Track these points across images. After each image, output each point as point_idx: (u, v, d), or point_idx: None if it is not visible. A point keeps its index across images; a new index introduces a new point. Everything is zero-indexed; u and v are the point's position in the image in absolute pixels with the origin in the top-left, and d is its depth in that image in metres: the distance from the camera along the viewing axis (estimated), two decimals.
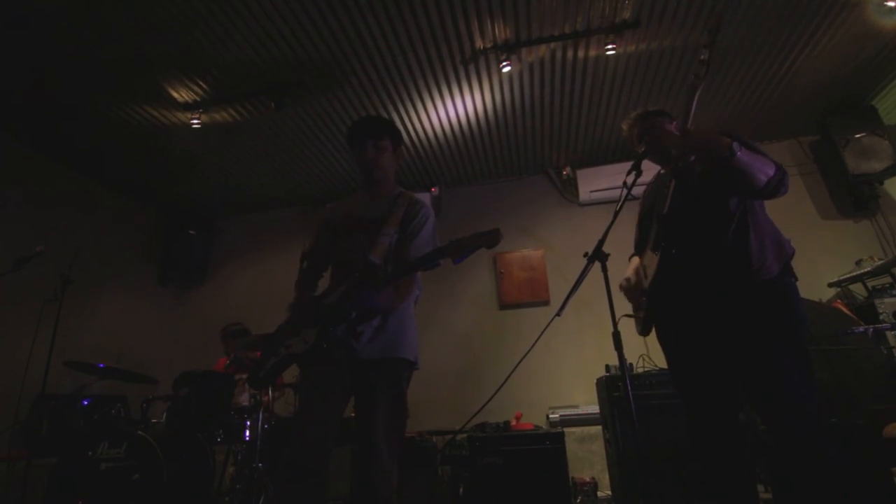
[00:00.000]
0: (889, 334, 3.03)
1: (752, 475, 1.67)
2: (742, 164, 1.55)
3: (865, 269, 3.57)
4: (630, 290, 1.96)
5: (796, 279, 1.68)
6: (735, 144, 1.54)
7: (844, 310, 3.36)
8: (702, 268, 1.69)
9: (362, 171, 1.96)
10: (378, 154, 1.91)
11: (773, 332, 1.57)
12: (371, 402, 1.69)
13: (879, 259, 3.67)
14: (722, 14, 1.69)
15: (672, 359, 1.85)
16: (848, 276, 3.62)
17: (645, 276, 1.86)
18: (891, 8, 3.12)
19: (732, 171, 1.57)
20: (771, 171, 1.59)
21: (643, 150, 1.87)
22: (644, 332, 1.89)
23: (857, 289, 3.63)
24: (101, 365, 3.04)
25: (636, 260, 2.03)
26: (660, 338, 1.88)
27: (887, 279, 3.51)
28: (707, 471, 1.71)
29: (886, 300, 3.29)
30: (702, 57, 1.62)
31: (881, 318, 3.22)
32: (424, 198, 4.90)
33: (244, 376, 3.36)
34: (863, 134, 4.05)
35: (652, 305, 1.82)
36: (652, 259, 1.79)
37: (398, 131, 2.01)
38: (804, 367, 1.53)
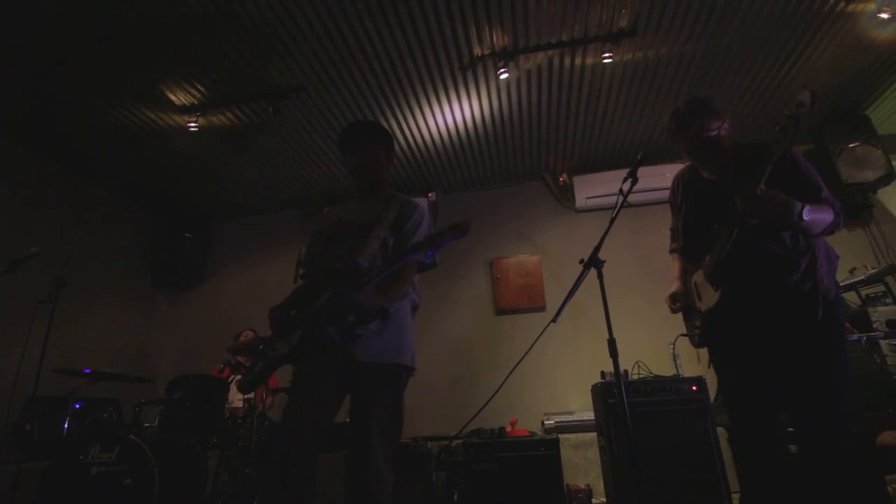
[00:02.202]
0: (882, 343, 3.05)
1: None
2: (806, 225, 1.56)
3: (859, 278, 3.60)
4: (681, 304, 1.98)
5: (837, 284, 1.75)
6: (805, 210, 1.52)
7: None
8: (768, 306, 1.70)
9: (354, 175, 1.96)
10: (369, 157, 1.92)
11: (825, 339, 1.63)
12: (367, 407, 1.69)
13: (873, 268, 3.70)
14: (816, 92, 1.57)
15: (724, 370, 1.88)
16: (842, 284, 3.64)
17: (698, 297, 1.89)
18: (884, 20, 3.16)
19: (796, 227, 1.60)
20: (829, 219, 1.61)
21: (687, 151, 1.83)
22: (700, 345, 1.92)
23: (851, 297, 3.65)
24: (88, 370, 3.00)
25: (678, 265, 2.04)
26: (712, 350, 1.90)
27: (881, 287, 3.53)
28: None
29: (880, 308, 3.31)
30: (782, 125, 1.55)
31: (874, 326, 3.24)
32: (421, 202, 4.89)
33: (238, 378, 3.35)
34: (857, 143, 4.09)
35: (709, 327, 1.85)
36: (709, 289, 1.81)
37: (389, 136, 2.02)
38: (846, 370, 1.62)
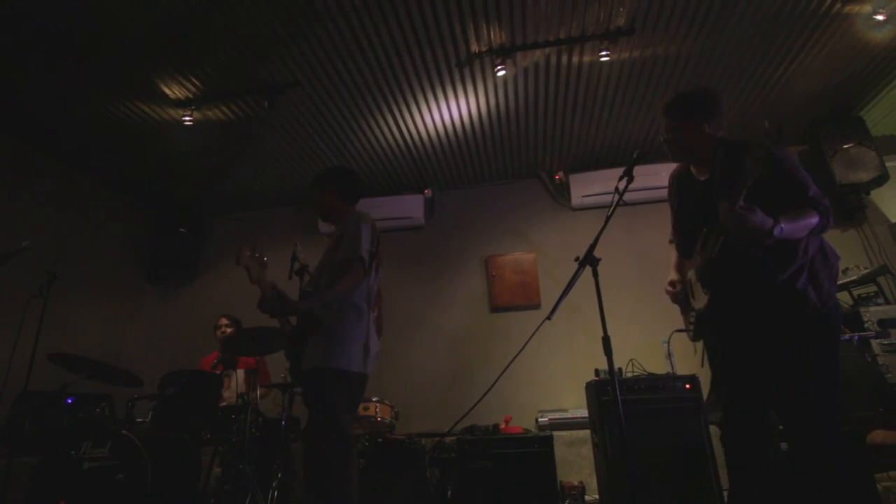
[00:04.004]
0: (874, 342, 3.08)
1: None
2: (785, 237, 1.59)
3: (851, 278, 3.62)
4: (676, 296, 2.03)
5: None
6: (777, 229, 1.55)
7: None
8: (756, 309, 1.72)
9: None
10: (314, 203, 2.38)
11: (816, 344, 1.64)
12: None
13: (865, 268, 3.73)
14: (782, 126, 1.65)
15: (717, 369, 1.91)
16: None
17: (692, 293, 1.93)
18: (880, 21, 3.17)
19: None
20: (812, 223, 1.61)
21: (670, 154, 1.90)
22: (696, 339, 1.98)
23: (843, 297, 3.68)
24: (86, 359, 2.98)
25: (676, 258, 2.08)
26: (707, 345, 1.94)
27: (872, 288, 3.56)
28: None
29: (872, 308, 3.34)
30: (756, 155, 1.58)
31: (866, 326, 3.27)
32: (417, 199, 4.92)
33: (231, 373, 3.34)
34: (851, 144, 4.10)
35: (702, 324, 1.90)
36: (700, 290, 1.86)
37: (321, 177, 2.39)
38: (835, 377, 1.62)
